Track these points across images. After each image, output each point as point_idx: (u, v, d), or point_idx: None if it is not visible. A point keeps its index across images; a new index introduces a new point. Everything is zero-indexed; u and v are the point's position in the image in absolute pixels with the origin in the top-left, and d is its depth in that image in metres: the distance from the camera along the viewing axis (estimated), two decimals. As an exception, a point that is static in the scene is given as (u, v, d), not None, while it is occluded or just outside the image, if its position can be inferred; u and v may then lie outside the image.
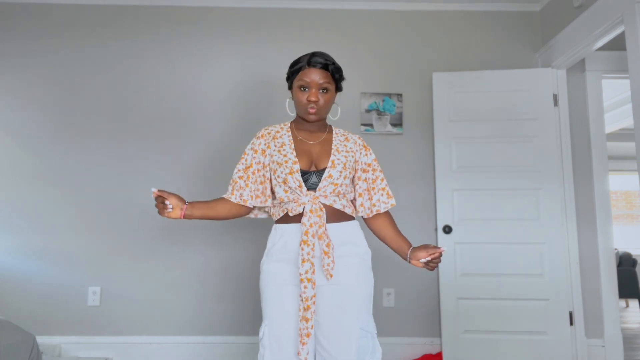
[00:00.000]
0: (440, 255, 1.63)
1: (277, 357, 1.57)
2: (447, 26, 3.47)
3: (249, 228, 3.23)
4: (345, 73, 1.91)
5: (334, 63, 1.70)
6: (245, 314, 3.17)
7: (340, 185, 1.68)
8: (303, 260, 1.56)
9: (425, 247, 1.66)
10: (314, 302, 1.57)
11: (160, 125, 3.32)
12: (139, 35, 3.40)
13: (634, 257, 6.32)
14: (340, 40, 3.43)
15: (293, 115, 1.83)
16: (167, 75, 3.37)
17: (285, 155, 1.69)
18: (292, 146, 1.72)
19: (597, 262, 3.16)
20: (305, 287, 1.55)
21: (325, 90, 1.69)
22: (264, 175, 1.74)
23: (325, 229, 1.61)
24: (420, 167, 3.32)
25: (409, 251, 1.70)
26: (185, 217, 1.64)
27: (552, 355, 2.99)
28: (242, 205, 1.74)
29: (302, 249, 1.57)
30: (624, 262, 6.14)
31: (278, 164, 1.68)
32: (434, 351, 3.15)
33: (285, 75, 1.79)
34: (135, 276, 3.18)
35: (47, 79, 3.34)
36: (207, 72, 3.38)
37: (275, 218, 1.74)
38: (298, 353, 1.55)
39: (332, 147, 1.74)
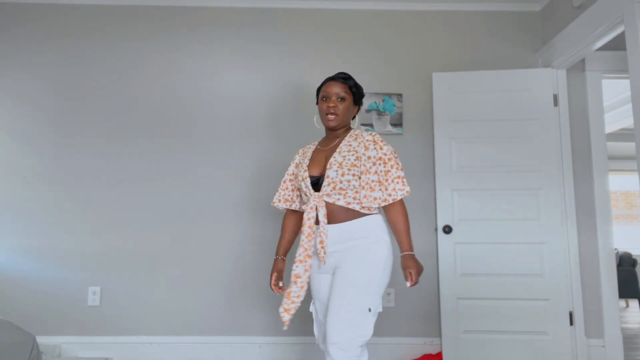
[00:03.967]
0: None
1: None
2: (447, 26, 3.47)
3: (252, 227, 3.23)
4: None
5: (351, 78, 2.00)
6: (246, 314, 3.17)
7: (341, 182, 1.86)
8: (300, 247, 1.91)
9: (405, 268, 1.82)
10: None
11: (162, 126, 3.32)
12: (141, 35, 3.40)
13: (634, 257, 6.32)
14: (341, 40, 3.43)
15: (320, 127, 2.17)
16: (168, 75, 3.37)
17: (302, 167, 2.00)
18: (309, 156, 2.03)
19: (597, 262, 3.16)
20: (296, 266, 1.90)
21: (342, 99, 1.97)
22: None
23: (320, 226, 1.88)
24: (420, 167, 3.32)
25: (401, 255, 1.86)
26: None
27: (552, 355, 2.99)
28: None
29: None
30: (624, 262, 6.14)
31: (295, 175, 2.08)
32: (434, 351, 3.15)
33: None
34: (135, 276, 3.18)
35: (48, 79, 3.34)
36: (214, 71, 3.37)
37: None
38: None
39: (336, 150, 1.94)
